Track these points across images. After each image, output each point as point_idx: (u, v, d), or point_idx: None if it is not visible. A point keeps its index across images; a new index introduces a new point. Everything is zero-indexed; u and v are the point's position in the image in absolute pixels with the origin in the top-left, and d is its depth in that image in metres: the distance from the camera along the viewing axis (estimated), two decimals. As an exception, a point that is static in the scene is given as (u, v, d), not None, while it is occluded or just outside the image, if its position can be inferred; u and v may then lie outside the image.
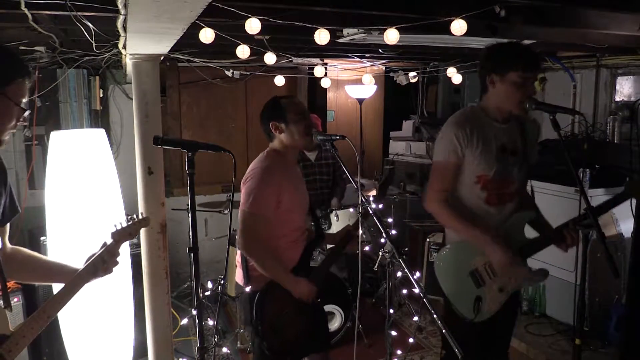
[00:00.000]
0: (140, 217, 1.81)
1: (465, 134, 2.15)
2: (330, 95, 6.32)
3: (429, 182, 2.30)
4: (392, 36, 2.70)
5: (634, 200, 3.22)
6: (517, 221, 2.24)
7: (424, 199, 2.31)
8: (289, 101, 2.41)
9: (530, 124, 2.33)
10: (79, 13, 2.13)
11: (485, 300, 2.18)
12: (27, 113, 1.57)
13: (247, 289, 2.40)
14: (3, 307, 1.54)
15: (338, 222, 4.08)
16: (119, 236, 1.75)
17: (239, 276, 2.48)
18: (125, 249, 2.94)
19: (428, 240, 4.37)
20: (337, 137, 2.19)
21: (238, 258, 2.50)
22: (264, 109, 2.44)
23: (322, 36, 2.71)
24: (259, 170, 2.32)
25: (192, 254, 1.62)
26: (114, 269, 1.72)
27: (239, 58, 3.34)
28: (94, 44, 2.63)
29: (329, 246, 3.29)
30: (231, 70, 4.53)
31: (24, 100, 1.55)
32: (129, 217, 1.81)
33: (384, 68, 5.37)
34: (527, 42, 3.57)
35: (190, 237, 1.61)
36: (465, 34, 2.54)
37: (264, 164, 2.34)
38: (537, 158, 2.36)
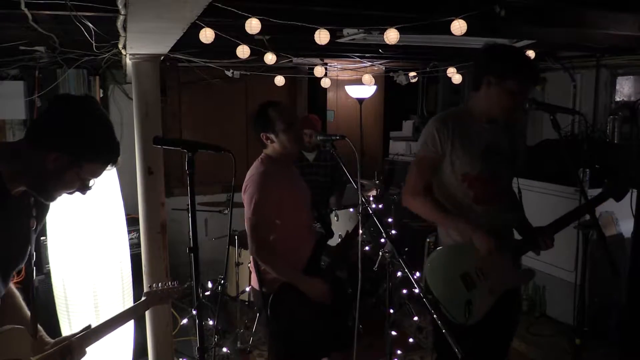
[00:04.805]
0: (176, 284, 1.89)
1: (446, 129, 2.15)
2: (330, 95, 6.31)
3: (406, 177, 2.28)
4: (392, 36, 2.70)
5: (634, 201, 3.22)
6: (505, 223, 2.25)
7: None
8: (276, 110, 2.40)
9: (515, 124, 2.34)
10: (79, 13, 2.13)
11: (476, 303, 2.16)
12: (89, 190, 1.52)
13: (261, 290, 2.42)
14: (30, 334, 1.54)
15: (338, 222, 4.08)
16: (152, 297, 1.81)
17: (254, 280, 2.51)
18: (125, 249, 2.94)
19: (428, 240, 4.36)
20: (337, 137, 2.20)
21: (251, 263, 2.52)
22: (253, 119, 2.44)
23: (322, 36, 2.71)
24: (256, 176, 2.36)
25: (192, 254, 1.62)
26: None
27: (239, 58, 3.33)
28: (94, 44, 2.63)
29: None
30: (231, 70, 4.52)
31: (93, 179, 1.51)
32: (165, 282, 1.88)
33: (384, 68, 5.36)
34: (527, 42, 3.58)
35: (190, 237, 1.61)
36: (465, 34, 2.54)
37: (260, 170, 2.39)
38: (525, 157, 2.37)
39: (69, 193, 1.51)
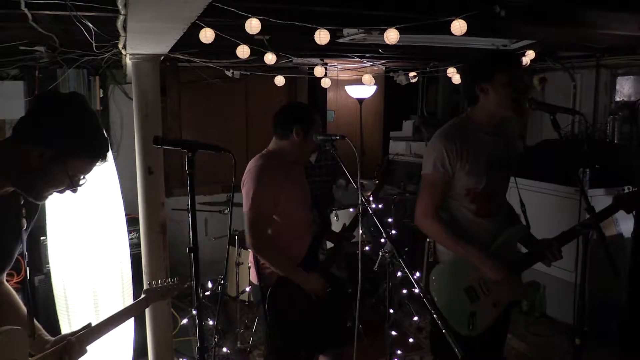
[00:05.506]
0: (176, 280, 1.88)
1: (455, 147, 2.12)
2: (330, 95, 6.31)
3: (418, 197, 2.26)
4: (392, 36, 2.70)
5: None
6: (510, 236, 2.24)
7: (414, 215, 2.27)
8: (318, 120, 2.50)
9: (514, 132, 2.35)
10: (79, 13, 2.13)
11: (480, 315, 2.16)
12: (79, 186, 1.48)
13: (260, 284, 2.43)
14: (28, 335, 1.53)
15: (338, 222, 4.08)
16: (151, 294, 1.80)
17: (252, 275, 2.52)
18: (125, 249, 2.94)
19: (428, 240, 4.36)
20: (337, 137, 2.20)
21: (250, 258, 2.54)
22: (294, 110, 2.52)
23: (322, 36, 2.71)
24: (254, 169, 2.38)
25: (192, 254, 1.62)
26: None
27: (239, 58, 3.33)
28: (94, 44, 2.63)
29: (328, 245, 3.30)
30: (231, 70, 4.52)
31: (82, 177, 1.48)
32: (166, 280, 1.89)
33: (384, 68, 5.36)
34: (527, 42, 3.58)
35: (190, 237, 1.61)
36: (465, 34, 2.54)
37: (257, 163, 2.41)
38: (520, 162, 2.38)
39: (59, 192, 1.48)
